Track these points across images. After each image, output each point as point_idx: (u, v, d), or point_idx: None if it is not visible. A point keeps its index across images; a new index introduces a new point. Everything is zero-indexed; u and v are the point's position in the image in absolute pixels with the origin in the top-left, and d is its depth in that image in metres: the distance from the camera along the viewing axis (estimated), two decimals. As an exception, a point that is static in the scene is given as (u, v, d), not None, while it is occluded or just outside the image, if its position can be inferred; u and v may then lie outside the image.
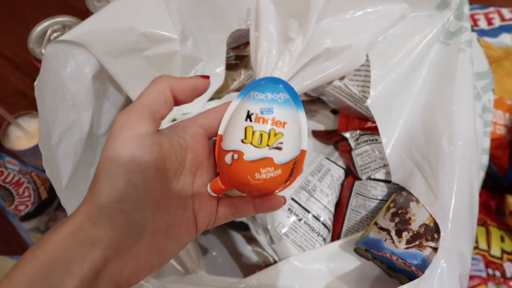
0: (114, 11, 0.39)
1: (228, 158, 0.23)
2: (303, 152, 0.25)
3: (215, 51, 0.44)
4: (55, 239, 0.20)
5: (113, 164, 0.21)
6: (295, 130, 0.24)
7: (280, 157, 0.23)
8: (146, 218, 0.22)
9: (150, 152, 0.21)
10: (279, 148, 0.23)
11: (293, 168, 0.24)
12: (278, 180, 0.23)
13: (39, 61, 0.47)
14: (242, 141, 0.23)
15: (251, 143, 0.23)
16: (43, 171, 0.41)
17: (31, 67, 0.64)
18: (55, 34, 0.48)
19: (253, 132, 0.23)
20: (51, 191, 0.41)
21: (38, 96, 0.35)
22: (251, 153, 0.23)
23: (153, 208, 0.23)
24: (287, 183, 0.25)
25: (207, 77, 0.25)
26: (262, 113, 0.23)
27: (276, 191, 0.25)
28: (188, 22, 0.41)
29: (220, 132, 0.25)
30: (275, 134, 0.23)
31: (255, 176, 0.23)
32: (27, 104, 0.61)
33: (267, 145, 0.23)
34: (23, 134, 0.46)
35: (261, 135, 0.23)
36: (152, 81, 0.23)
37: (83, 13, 0.54)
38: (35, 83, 0.34)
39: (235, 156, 0.23)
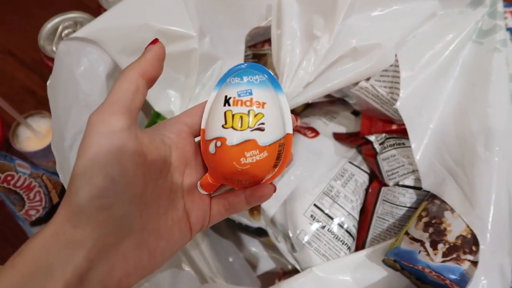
0: (128, 7, 0.37)
1: (211, 147, 0.23)
2: (288, 136, 0.24)
3: (233, 49, 0.42)
4: (33, 246, 0.19)
5: (89, 161, 0.20)
6: (276, 110, 0.23)
7: (263, 139, 0.22)
8: (129, 214, 0.21)
9: (126, 145, 0.21)
10: (261, 129, 0.22)
11: (280, 151, 0.23)
12: (265, 163, 0.23)
13: (50, 59, 0.46)
14: (223, 126, 0.22)
15: (232, 127, 0.22)
16: (54, 173, 0.40)
17: (38, 64, 0.62)
18: (66, 31, 0.46)
19: (233, 116, 0.22)
20: (63, 195, 0.40)
21: (50, 96, 0.33)
22: (233, 137, 0.22)
23: (137, 204, 0.22)
24: (276, 168, 0.24)
25: (156, 40, 0.24)
26: (239, 95, 0.22)
27: (266, 177, 0.24)
28: (206, 18, 0.39)
29: (202, 126, 0.24)
30: (256, 115, 0.22)
31: (241, 161, 0.22)
32: (34, 102, 0.59)
33: (249, 126, 0.22)
34: (32, 135, 0.45)
35: (241, 117, 0.22)
36: (121, 73, 0.22)
37: (93, 10, 0.53)
38: (48, 82, 0.33)
39: (218, 144, 0.22)
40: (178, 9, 0.37)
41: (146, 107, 0.43)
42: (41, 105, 0.58)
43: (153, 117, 0.42)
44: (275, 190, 0.25)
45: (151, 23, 0.36)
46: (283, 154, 0.24)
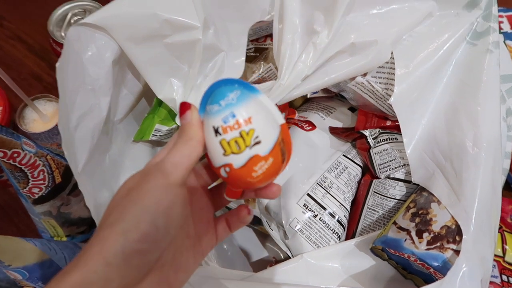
0: (137, -4, 0.39)
1: (222, 173, 0.24)
2: (283, 126, 0.25)
3: (236, 42, 0.43)
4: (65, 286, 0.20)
5: (141, 208, 0.21)
6: (263, 116, 0.24)
7: (264, 149, 0.24)
8: (161, 259, 0.23)
9: (177, 200, 0.23)
10: (258, 143, 0.23)
11: (282, 147, 0.25)
12: (275, 166, 0.24)
13: (58, 44, 0.47)
14: (224, 155, 0.24)
15: (232, 153, 0.23)
16: (58, 155, 0.41)
17: (46, 51, 0.64)
18: (75, 18, 0.48)
19: (228, 143, 0.23)
20: (65, 175, 0.41)
21: (59, 78, 0.34)
22: (237, 161, 0.23)
23: (167, 248, 0.23)
24: (284, 162, 0.26)
25: (187, 106, 0.25)
26: (225, 122, 0.23)
27: (279, 174, 0.26)
28: (210, 10, 0.41)
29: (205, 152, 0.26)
30: (248, 133, 0.23)
31: (253, 175, 0.24)
32: (41, 88, 0.61)
33: (246, 146, 0.23)
34: (38, 117, 0.46)
35: (236, 141, 0.23)
36: (186, 138, 0.24)
37: (102, -1, 0.54)
38: (57, 64, 0.34)
39: (227, 169, 0.24)
40: (184, 1, 0.39)
41: (148, 94, 0.44)
42: (47, 91, 0.59)
43: (156, 105, 0.44)
44: (279, 190, 0.27)
45: (158, 13, 0.37)
46: (286, 147, 0.25)
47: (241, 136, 0.23)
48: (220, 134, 0.23)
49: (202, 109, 0.25)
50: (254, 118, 0.23)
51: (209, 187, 0.29)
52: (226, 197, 0.27)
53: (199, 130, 0.24)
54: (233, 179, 0.24)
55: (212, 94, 0.24)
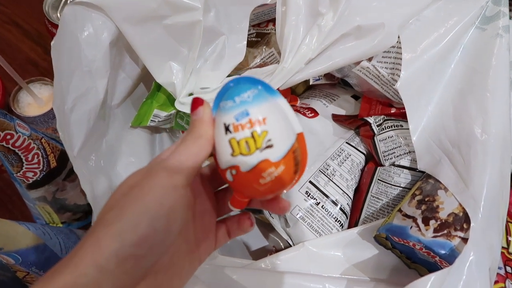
0: (135, -25, 0.37)
1: (228, 176, 0.23)
2: (300, 136, 0.23)
3: (237, 26, 0.42)
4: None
5: (142, 208, 0.20)
6: (279, 119, 0.22)
7: (275, 154, 0.22)
8: (155, 264, 0.22)
9: (180, 203, 0.21)
10: (270, 146, 0.22)
11: (296, 156, 0.23)
12: (286, 176, 0.22)
13: (55, 26, 0.46)
14: (232, 155, 0.22)
15: (241, 154, 0.22)
16: (53, 139, 0.40)
17: (43, 36, 0.63)
18: (71, -1, 0.46)
19: (238, 142, 0.22)
20: (60, 160, 0.40)
21: (54, 57, 0.33)
22: (245, 163, 0.22)
23: (164, 253, 0.22)
24: (297, 173, 0.24)
25: (200, 102, 0.23)
26: (237, 120, 0.22)
27: (288, 186, 0.24)
28: (212, -7, 0.39)
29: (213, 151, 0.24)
30: (260, 135, 0.21)
31: (260, 182, 0.22)
32: (37, 73, 0.59)
33: (257, 148, 0.21)
34: (33, 101, 0.45)
35: (246, 142, 0.21)
36: (195, 136, 0.22)
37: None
38: (52, 42, 0.33)
39: (233, 172, 0.22)
40: (184, -19, 0.37)
41: (147, 78, 0.43)
42: (43, 77, 0.58)
43: (154, 89, 0.42)
44: (289, 206, 0.25)
45: (157, -8, 0.36)
46: (301, 157, 0.23)
47: (253, 136, 0.21)
48: (230, 132, 0.22)
49: (215, 107, 0.23)
50: (269, 120, 0.22)
51: (214, 191, 0.28)
52: (230, 206, 0.25)
53: (210, 128, 0.22)
54: (238, 184, 0.23)
55: (228, 91, 0.23)
